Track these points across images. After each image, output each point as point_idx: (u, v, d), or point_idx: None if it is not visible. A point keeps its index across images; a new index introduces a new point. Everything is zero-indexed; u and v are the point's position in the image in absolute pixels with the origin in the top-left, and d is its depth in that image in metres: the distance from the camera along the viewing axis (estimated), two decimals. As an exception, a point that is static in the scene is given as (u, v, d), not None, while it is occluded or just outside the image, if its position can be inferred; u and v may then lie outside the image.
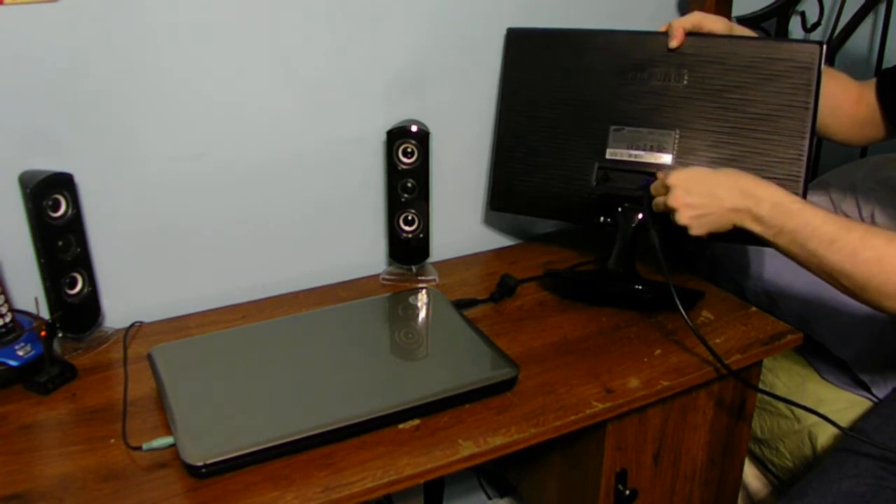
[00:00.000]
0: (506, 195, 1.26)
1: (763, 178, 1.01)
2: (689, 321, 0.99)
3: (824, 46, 1.07)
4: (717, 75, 1.11)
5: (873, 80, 1.16)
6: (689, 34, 1.12)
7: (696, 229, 0.98)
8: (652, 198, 1.06)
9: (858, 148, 1.70)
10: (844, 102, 1.17)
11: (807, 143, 1.07)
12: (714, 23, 1.11)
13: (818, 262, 0.91)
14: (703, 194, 0.97)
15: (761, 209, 0.94)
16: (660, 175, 1.05)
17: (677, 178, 0.99)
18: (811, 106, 1.07)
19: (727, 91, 1.10)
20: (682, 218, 0.98)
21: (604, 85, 1.17)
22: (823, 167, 1.64)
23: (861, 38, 1.74)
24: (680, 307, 0.99)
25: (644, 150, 1.14)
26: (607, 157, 1.16)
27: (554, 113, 1.20)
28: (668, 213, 1.00)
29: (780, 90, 1.08)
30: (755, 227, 0.95)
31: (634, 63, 1.15)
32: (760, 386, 1.30)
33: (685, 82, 1.12)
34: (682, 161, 1.12)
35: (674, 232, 1.02)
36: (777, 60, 1.08)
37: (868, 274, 0.87)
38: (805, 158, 1.07)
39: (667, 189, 1.00)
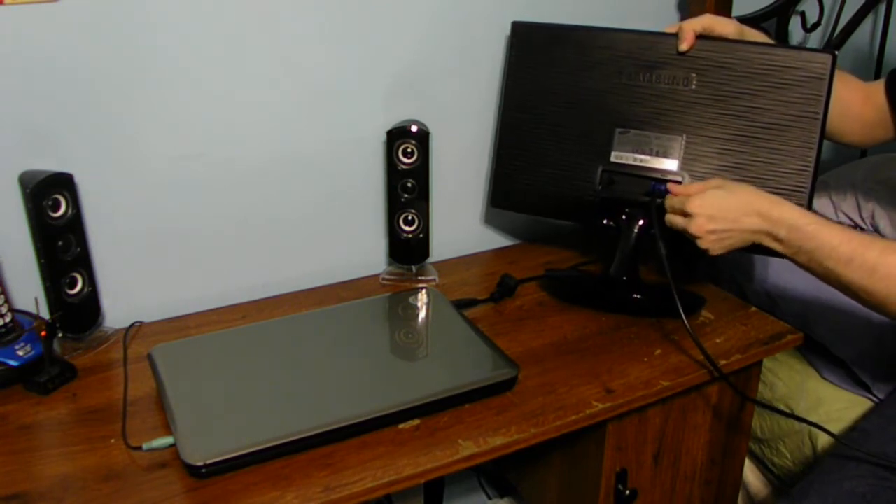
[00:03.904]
0: (507, 192, 1.26)
1: (769, 188, 1.03)
2: (691, 331, 0.99)
3: (836, 57, 1.06)
4: (726, 81, 1.10)
5: (881, 81, 1.16)
6: (699, 37, 1.10)
7: (717, 251, 1.00)
8: (658, 205, 1.06)
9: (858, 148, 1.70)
10: (852, 104, 1.16)
11: (814, 154, 1.07)
12: (725, 26, 1.10)
13: (837, 279, 0.93)
14: (725, 220, 0.98)
15: (780, 232, 0.95)
16: (675, 189, 1.05)
17: (699, 207, 0.99)
18: (820, 117, 1.06)
19: (736, 98, 1.10)
20: (705, 243, 0.99)
21: (610, 84, 1.16)
22: (823, 167, 1.64)
23: (861, 38, 1.74)
24: (684, 318, 1.00)
25: (650, 154, 1.13)
26: (612, 159, 1.16)
27: (558, 110, 1.19)
28: (688, 237, 1.01)
29: (790, 100, 1.07)
30: (775, 246, 0.97)
31: (642, 64, 1.14)
32: (761, 385, 1.30)
33: (693, 86, 1.11)
34: (687, 168, 1.12)
35: (682, 245, 1.02)
36: (788, 69, 1.07)
37: (886, 291, 0.89)
38: (812, 170, 1.07)
39: (685, 213, 1.00)
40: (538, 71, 1.20)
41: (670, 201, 1.04)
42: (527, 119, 1.22)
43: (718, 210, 0.98)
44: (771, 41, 1.14)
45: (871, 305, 0.92)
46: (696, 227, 0.99)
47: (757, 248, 1.01)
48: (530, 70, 1.21)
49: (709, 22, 1.10)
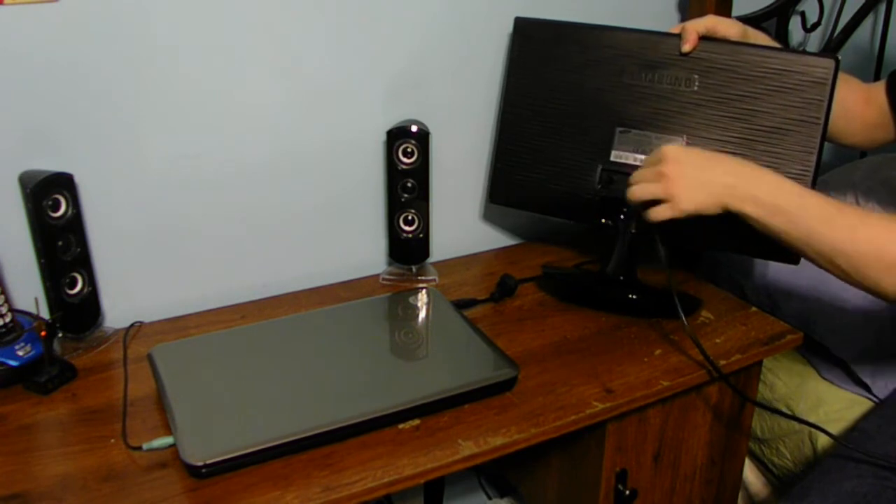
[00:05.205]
0: (505, 188, 1.25)
1: None
2: (689, 331, 0.99)
3: (839, 62, 1.05)
4: (728, 83, 1.09)
5: (881, 83, 1.16)
6: (702, 38, 1.09)
7: (684, 203, 0.93)
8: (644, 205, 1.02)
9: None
10: (854, 105, 1.16)
11: (814, 158, 1.07)
12: (728, 28, 1.09)
13: (816, 241, 0.89)
14: (696, 166, 0.94)
15: (758, 188, 0.91)
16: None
17: (671, 150, 0.96)
18: (822, 122, 1.06)
19: (737, 100, 1.09)
20: (672, 187, 0.94)
21: (612, 83, 1.15)
22: (823, 168, 1.64)
23: (861, 38, 1.74)
24: (683, 319, 1.00)
25: (649, 154, 1.13)
26: (612, 158, 1.15)
27: (559, 107, 1.19)
28: (658, 194, 0.96)
29: (792, 104, 1.07)
30: (748, 208, 0.91)
31: (644, 64, 1.13)
32: (761, 385, 1.30)
33: (695, 88, 1.11)
34: None
35: (663, 235, 1.02)
36: (790, 73, 1.07)
37: (866, 249, 0.86)
38: (811, 174, 1.07)
39: (657, 161, 0.96)
40: (540, 67, 1.20)
41: (644, 159, 1.00)
42: (527, 115, 1.21)
43: (692, 154, 0.96)
44: (774, 43, 1.13)
45: (847, 271, 0.88)
46: (663, 166, 0.94)
47: (752, 249, 0.99)
48: (532, 66, 1.21)
49: (712, 23, 1.09)
